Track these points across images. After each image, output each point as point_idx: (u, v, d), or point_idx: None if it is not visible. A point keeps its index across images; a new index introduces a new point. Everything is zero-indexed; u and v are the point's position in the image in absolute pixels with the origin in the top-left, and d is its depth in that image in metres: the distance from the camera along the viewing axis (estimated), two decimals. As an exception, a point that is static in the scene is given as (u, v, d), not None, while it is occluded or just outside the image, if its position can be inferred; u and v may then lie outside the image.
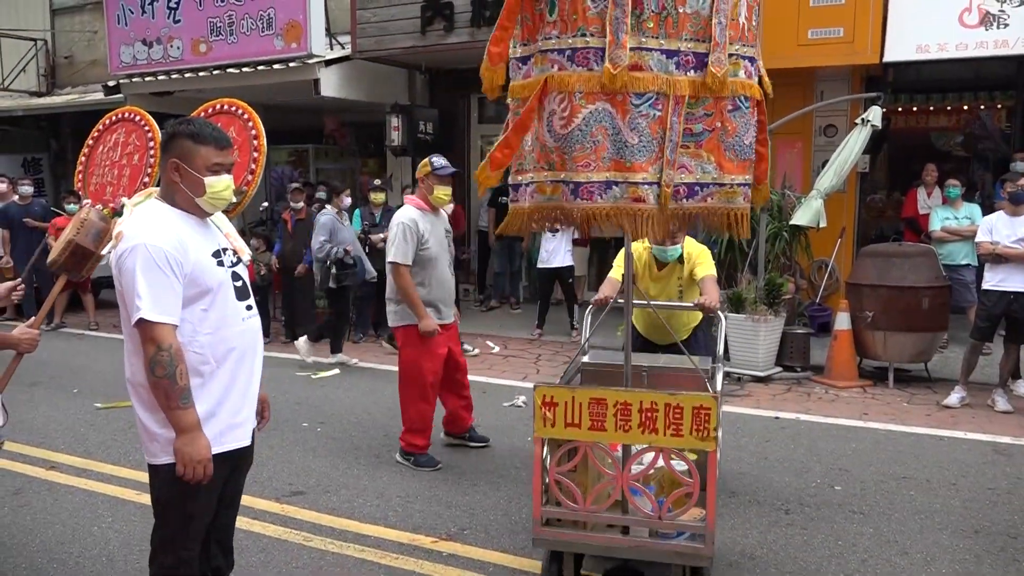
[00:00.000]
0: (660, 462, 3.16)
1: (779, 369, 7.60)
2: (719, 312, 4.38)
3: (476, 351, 8.73)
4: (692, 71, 2.86)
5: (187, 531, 2.72)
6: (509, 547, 4.03)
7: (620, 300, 3.89)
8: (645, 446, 3.15)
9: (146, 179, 3.91)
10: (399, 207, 9.99)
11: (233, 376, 2.71)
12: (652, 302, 4.49)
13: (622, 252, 4.37)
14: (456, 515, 4.46)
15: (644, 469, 3.19)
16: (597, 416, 3.10)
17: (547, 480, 3.25)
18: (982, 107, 10.69)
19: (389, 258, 5.00)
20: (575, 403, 3.11)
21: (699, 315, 4.76)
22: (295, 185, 10.05)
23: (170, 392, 2.51)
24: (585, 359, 4.11)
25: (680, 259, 4.68)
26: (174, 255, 2.54)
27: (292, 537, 4.20)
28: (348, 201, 9.30)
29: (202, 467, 2.57)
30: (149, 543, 2.80)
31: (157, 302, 2.50)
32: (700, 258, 4.70)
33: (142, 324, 2.50)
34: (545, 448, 3.26)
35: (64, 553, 4.04)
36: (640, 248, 4.75)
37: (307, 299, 9.62)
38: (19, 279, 3.67)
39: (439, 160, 5.12)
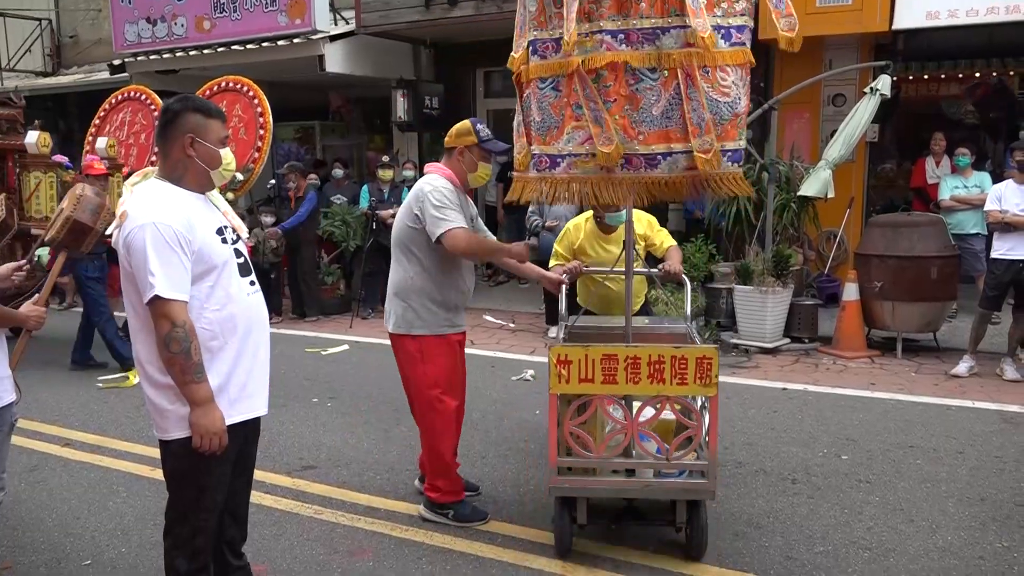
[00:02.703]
0: (666, 413, 3.41)
1: (787, 340, 7.60)
2: (684, 277, 4.54)
3: (513, 324, 8.96)
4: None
5: (200, 504, 2.76)
6: (518, 518, 4.07)
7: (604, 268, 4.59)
8: (648, 397, 3.44)
9: (153, 158, 3.91)
10: (403, 181, 9.91)
11: (240, 350, 2.74)
12: (611, 269, 4.53)
13: (561, 233, 4.89)
14: (465, 487, 4.50)
15: (653, 416, 3.45)
16: (609, 371, 3.35)
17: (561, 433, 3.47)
18: (994, 74, 10.54)
19: (443, 228, 3.73)
20: (588, 360, 3.35)
21: (646, 285, 5.17)
22: (287, 166, 9.90)
23: (185, 367, 2.55)
24: (567, 325, 4.29)
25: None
26: (183, 233, 2.57)
27: (303, 511, 4.26)
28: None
29: (218, 438, 2.63)
30: (164, 517, 2.84)
31: (170, 279, 2.53)
32: (655, 226, 4.81)
33: (156, 302, 2.52)
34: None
35: (80, 527, 4.12)
36: (581, 220, 4.82)
37: (312, 276, 9.67)
38: (24, 260, 3.67)
39: (486, 130, 3.96)
